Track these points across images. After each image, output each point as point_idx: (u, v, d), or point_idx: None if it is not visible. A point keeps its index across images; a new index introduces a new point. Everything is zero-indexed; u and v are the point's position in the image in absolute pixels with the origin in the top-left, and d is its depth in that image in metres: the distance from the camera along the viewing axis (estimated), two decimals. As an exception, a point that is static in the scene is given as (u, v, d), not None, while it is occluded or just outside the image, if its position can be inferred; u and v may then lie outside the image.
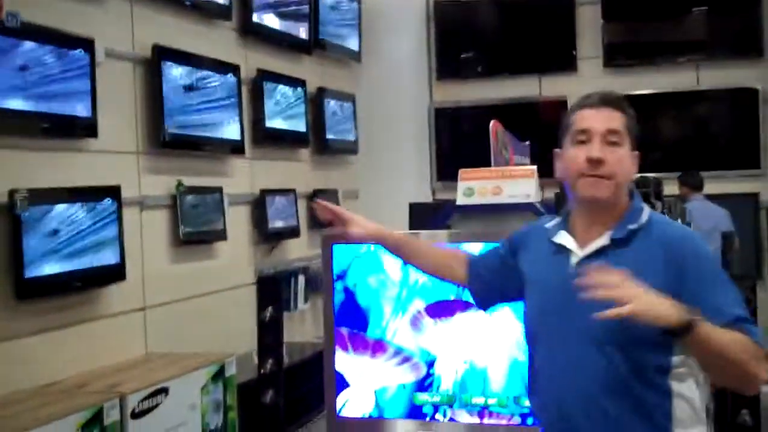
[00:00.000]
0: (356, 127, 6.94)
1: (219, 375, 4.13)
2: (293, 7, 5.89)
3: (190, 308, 4.68)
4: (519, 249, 2.16)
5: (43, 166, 3.71)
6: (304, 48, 6.11)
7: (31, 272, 3.48)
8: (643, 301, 1.73)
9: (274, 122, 5.61)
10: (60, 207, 3.66)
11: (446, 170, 7.17)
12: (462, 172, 2.99)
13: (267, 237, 5.48)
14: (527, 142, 4.07)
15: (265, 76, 5.51)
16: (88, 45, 3.91)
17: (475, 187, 2.89)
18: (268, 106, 5.53)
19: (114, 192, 4.01)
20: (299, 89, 5.96)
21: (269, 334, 2.97)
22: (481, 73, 7.55)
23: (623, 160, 1.96)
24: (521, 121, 6.85)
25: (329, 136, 6.45)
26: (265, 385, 2.92)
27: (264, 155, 5.58)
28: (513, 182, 2.86)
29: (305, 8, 6.05)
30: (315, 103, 6.30)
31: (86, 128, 3.92)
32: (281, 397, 3.04)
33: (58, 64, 3.73)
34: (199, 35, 4.90)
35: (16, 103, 3.50)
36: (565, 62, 7.30)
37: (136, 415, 3.59)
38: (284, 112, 5.75)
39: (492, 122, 3.30)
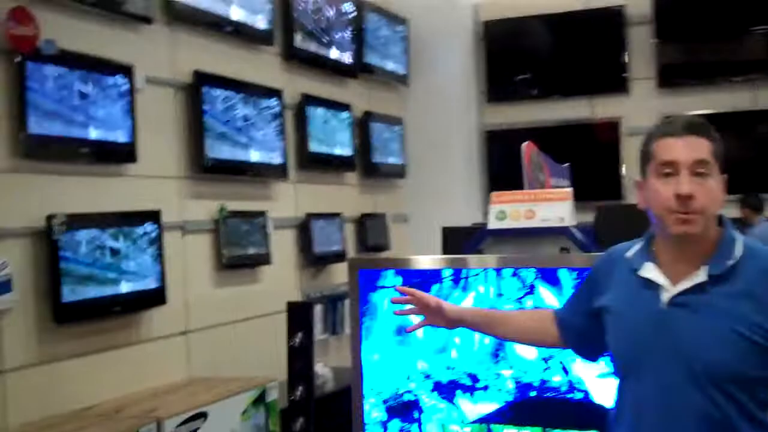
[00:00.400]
0: (404, 150, 6.91)
1: (260, 400, 4.10)
2: (337, 32, 5.90)
3: (233, 332, 4.68)
4: (601, 284, 2.03)
5: (82, 191, 3.75)
6: (348, 72, 6.12)
7: (69, 297, 3.51)
8: None
9: (319, 146, 5.61)
10: (98, 232, 3.69)
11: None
12: (494, 195, 2.92)
13: (312, 261, 5.46)
14: (566, 164, 3.98)
15: (308, 100, 5.52)
16: (127, 71, 3.96)
17: (507, 210, 2.81)
18: (312, 130, 5.53)
19: (154, 216, 4.03)
20: (344, 113, 5.96)
21: (299, 360, 2.92)
22: (532, 95, 7.46)
23: (713, 192, 1.85)
24: (572, 144, 6.76)
25: (376, 159, 6.43)
26: (295, 413, 2.87)
27: (309, 179, 5.57)
28: (547, 205, 2.78)
29: (349, 33, 6.06)
30: (361, 126, 6.29)
31: (125, 153, 3.96)
32: (311, 425, 2.99)
33: (97, 90, 3.78)
34: (241, 60, 4.94)
35: (55, 129, 3.55)
36: (616, 83, 7.17)
37: (172, 440, 3.57)
38: (329, 136, 5.75)
39: (524, 144, 3.22)
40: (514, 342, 2.28)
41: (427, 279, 2.81)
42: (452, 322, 2.21)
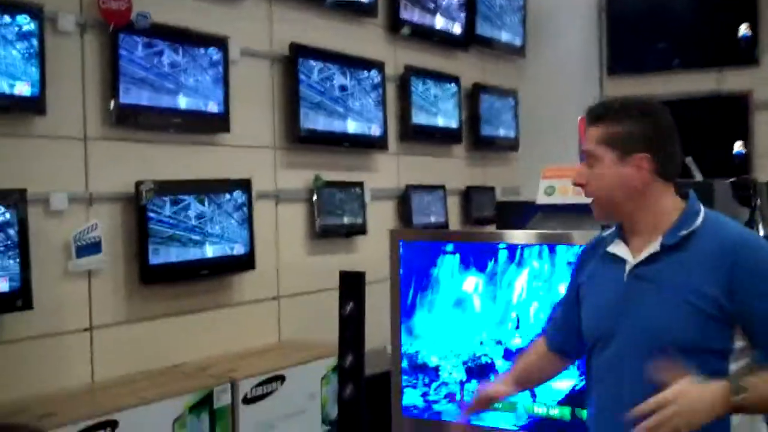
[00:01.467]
0: (517, 123, 6.80)
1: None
2: (447, 3, 5.85)
3: (325, 300, 4.76)
4: (583, 267, 2.11)
5: (173, 159, 3.92)
6: (458, 43, 6.06)
7: (155, 259, 3.69)
8: (685, 420, 1.67)
9: (423, 118, 5.60)
10: (186, 198, 3.84)
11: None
12: (545, 170, 2.86)
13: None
14: None
15: (412, 71, 5.51)
16: (221, 43, 4.09)
17: (556, 185, 2.75)
18: (416, 102, 5.53)
19: (244, 184, 4.16)
20: (452, 85, 5.92)
21: (349, 329, 2.97)
22: (656, 67, 7.14)
23: (601, 177, 1.93)
24: (697, 118, 6.44)
25: (487, 132, 6.36)
26: (344, 381, 2.93)
27: (411, 151, 5.59)
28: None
29: (460, 4, 5.99)
30: (471, 98, 6.23)
31: (218, 123, 4.10)
32: (362, 394, 3.03)
33: (190, 62, 3.92)
34: (342, 33, 4.98)
35: (146, 99, 3.72)
36: (746, 55, 6.76)
37: (248, 401, 3.71)
38: (434, 107, 5.73)
39: (580, 118, 3.11)
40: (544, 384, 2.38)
41: (481, 254, 2.80)
42: (506, 396, 2.24)
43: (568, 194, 2.73)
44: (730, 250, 1.83)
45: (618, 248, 1.98)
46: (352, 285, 3.07)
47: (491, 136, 6.43)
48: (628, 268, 1.93)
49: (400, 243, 2.74)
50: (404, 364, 2.98)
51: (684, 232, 1.88)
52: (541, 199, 2.78)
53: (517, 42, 6.79)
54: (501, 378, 2.30)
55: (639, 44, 7.21)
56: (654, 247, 1.90)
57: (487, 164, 6.51)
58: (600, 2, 7.26)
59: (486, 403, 2.24)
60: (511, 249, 2.75)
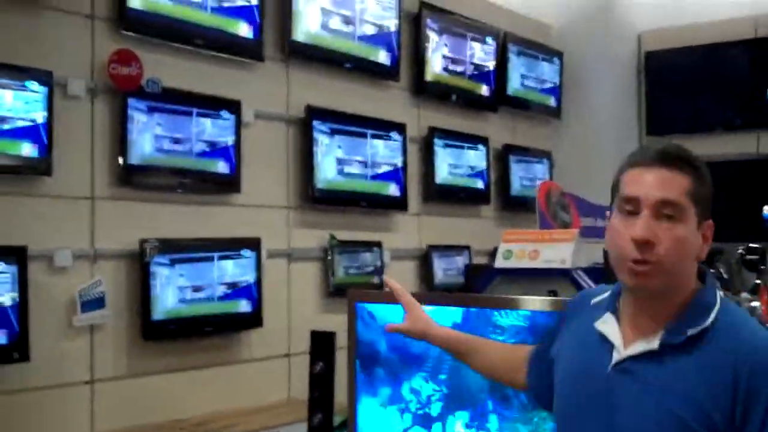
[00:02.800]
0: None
1: (343, 426, 4.18)
2: (474, 65, 5.92)
3: (339, 358, 4.80)
4: (563, 328, 1.85)
5: (183, 218, 4.04)
6: (488, 105, 6.11)
7: (158, 316, 3.79)
8: None
9: (447, 179, 5.65)
10: (191, 256, 3.95)
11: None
12: (505, 234, 2.86)
13: (432, 290, 5.49)
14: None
15: (436, 133, 5.58)
16: (234, 107, 4.23)
17: (514, 250, 2.74)
18: (440, 162, 5.59)
19: (253, 243, 4.25)
20: (479, 146, 5.96)
21: (318, 388, 2.99)
22: (696, 128, 7.06)
23: (683, 241, 1.56)
24: (736, 180, 6.34)
25: (518, 192, 6.36)
26: (313, 440, 2.96)
27: (435, 211, 5.62)
28: (551, 246, 2.68)
29: (489, 65, 6.06)
30: (501, 159, 6.26)
31: (229, 184, 4.22)
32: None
33: (201, 125, 4.06)
34: (365, 95, 5.09)
35: (154, 160, 3.86)
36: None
37: (243, 458, 3.75)
38: (459, 168, 5.77)
39: (540, 183, 3.12)
40: (480, 373, 2.10)
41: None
42: (417, 334, 2.11)
43: (524, 259, 2.73)
44: (746, 370, 1.50)
45: (608, 327, 1.67)
46: (322, 344, 3.11)
47: (523, 197, 6.42)
48: (615, 357, 1.63)
49: (356, 306, 2.74)
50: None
51: (692, 332, 1.56)
52: (499, 263, 2.79)
53: (552, 103, 6.81)
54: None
55: (678, 104, 7.14)
56: (652, 343, 1.59)
57: (518, 225, 6.48)
58: (638, 62, 7.24)
59: (398, 295, 2.11)
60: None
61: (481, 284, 2.79)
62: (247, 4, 4.28)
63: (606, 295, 1.75)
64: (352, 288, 3.13)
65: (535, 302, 2.22)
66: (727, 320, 1.58)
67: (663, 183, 1.57)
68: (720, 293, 1.64)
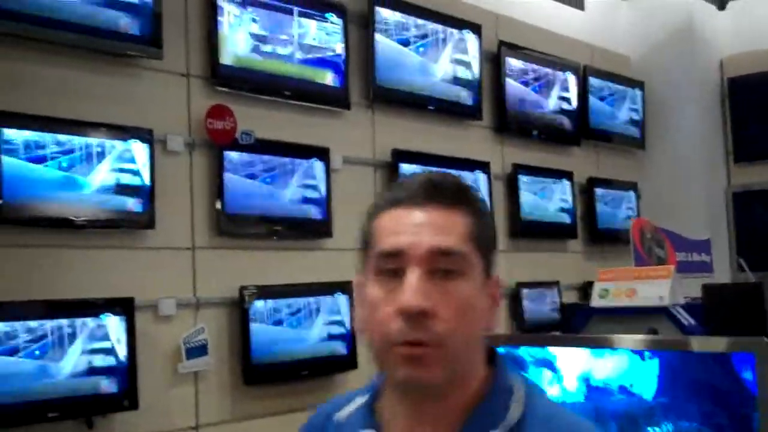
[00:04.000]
0: (639, 215, 6.70)
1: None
2: (555, 99, 5.94)
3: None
4: None
5: (277, 264, 4.15)
6: (571, 139, 6.12)
7: (258, 360, 3.89)
8: None
9: (533, 215, 5.66)
10: (287, 301, 4.05)
11: (750, 258, 6.60)
12: (601, 273, 2.86)
13: (524, 330, 5.48)
14: (707, 237, 3.75)
15: (520, 169, 5.60)
16: (323, 154, 4.35)
17: (610, 288, 2.74)
18: (525, 199, 5.60)
19: (344, 287, 4.33)
20: (564, 180, 5.96)
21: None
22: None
23: (470, 305, 1.13)
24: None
25: (604, 226, 6.32)
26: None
27: (522, 247, 5.63)
28: (648, 283, 2.67)
29: (570, 99, 6.07)
30: (586, 193, 6.24)
31: (321, 229, 4.33)
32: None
33: (293, 173, 4.19)
34: (448, 136, 5.16)
35: (249, 209, 4.00)
36: None
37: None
38: (545, 204, 5.78)
39: (633, 221, 3.11)
40: None
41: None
42: None
43: (621, 297, 2.72)
44: None
45: None
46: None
47: (610, 230, 6.37)
48: None
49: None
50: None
51: None
52: (595, 302, 2.78)
53: (635, 133, 6.76)
54: None
55: (765, 130, 7.02)
56: None
57: (607, 258, 6.43)
58: (721, 89, 7.15)
59: None
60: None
61: (578, 323, 2.80)
62: (332, 54, 4.41)
63: (357, 404, 1.27)
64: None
65: (637, 341, 2.22)
66: (539, 413, 1.16)
67: (435, 226, 1.14)
68: (520, 374, 1.23)
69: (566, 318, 3.39)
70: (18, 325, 3.14)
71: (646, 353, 2.24)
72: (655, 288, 2.66)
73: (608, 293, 2.75)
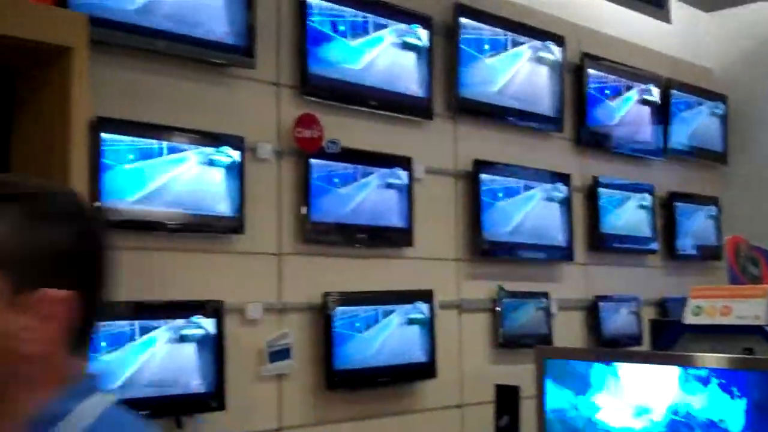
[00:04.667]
0: (719, 232, 6.58)
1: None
2: (637, 113, 5.89)
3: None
4: None
5: (360, 272, 4.20)
6: (652, 153, 6.04)
7: (339, 366, 3.95)
8: None
9: (613, 228, 5.61)
10: (370, 308, 4.10)
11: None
12: (693, 289, 2.82)
13: (603, 343, 5.43)
14: None
15: (600, 182, 5.56)
16: (406, 163, 4.39)
17: (703, 305, 2.70)
18: (605, 212, 5.56)
19: (426, 296, 4.36)
20: (644, 194, 5.89)
21: (505, 441, 3.03)
22: None
23: None
24: None
25: (684, 241, 6.22)
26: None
27: (601, 261, 5.58)
28: (743, 302, 2.62)
29: (652, 112, 6.01)
30: (666, 207, 6.15)
31: (403, 238, 4.37)
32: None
33: (377, 182, 4.24)
34: (528, 147, 5.16)
35: (334, 217, 4.06)
36: None
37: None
38: (625, 217, 5.72)
39: (727, 238, 3.06)
40: None
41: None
42: None
43: (716, 315, 2.68)
44: None
45: None
46: (507, 398, 3.16)
47: (690, 245, 6.28)
48: None
49: (545, 362, 2.77)
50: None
51: None
52: (688, 319, 2.75)
53: (718, 147, 6.65)
54: None
55: None
56: None
57: (685, 274, 6.33)
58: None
59: None
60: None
61: (667, 340, 2.78)
62: (417, 65, 4.45)
63: None
64: (539, 345, 3.14)
65: (733, 361, 2.20)
66: None
67: None
68: (102, 399, 1.07)
69: (654, 335, 3.35)
70: (113, 325, 3.25)
71: (735, 391, 2.21)
72: (750, 307, 2.62)
73: (701, 310, 2.72)
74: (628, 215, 5.76)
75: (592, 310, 5.43)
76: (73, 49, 2.66)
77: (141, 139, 3.41)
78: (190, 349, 3.44)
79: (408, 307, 4.29)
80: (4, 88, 2.82)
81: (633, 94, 5.88)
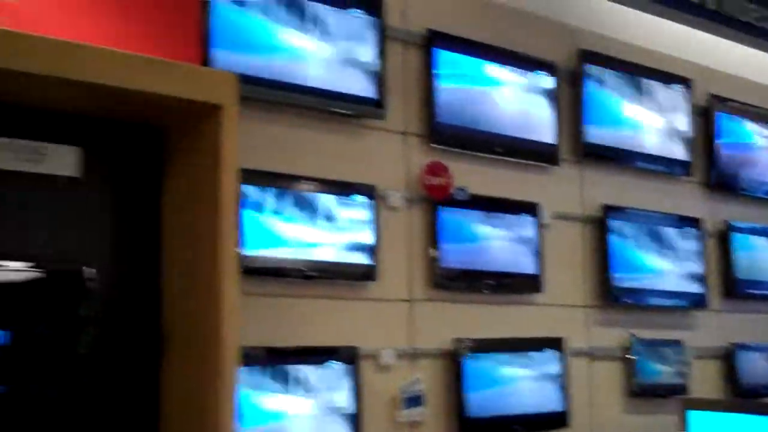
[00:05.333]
0: None
1: None
2: (766, 156, 5.72)
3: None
4: None
5: (489, 318, 4.20)
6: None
7: (473, 413, 3.93)
8: None
9: (748, 273, 5.42)
10: (501, 356, 4.08)
11: None
12: None
13: (741, 394, 5.23)
14: None
15: (733, 228, 5.40)
16: (533, 209, 4.38)
17: None
18: (739, 258, 5.39)
19: (556, 343, 4.31)
20: (780, 239, 5.69)
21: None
22: None
23: None
24: None
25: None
26: None
27: (736, 308, 5.40)
28: None
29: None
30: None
31: (531, 284, 4.35)
32: None
33: (504, 228, 4.25)
34: (657, 192, 5.07)
35: (463, 264, 4.08)
36: None
37: None
38: (760, 262, 5.53)
39: None
40: None
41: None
42: None
43: None
44: None
45: None
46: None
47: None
48: None
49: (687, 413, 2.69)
50: None
51: None
52: None
53: None
54: None
55: None
56: None
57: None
58: None
59: None
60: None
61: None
62: (543, 111, 4.47)
63: None
64: (684, 397, 3.04)
65: None
66: None
67: None
68: None
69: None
70: (254, 369, 3.34)
71: None
72: None
73: None
74: (764, 261, 5.56)
75: (729, 359, 5.24)
76: (222, 106, 2.79)
77: (278, 189, 3.53)
78: (330, 396, 3.51)
79: (538, 354, 4.26)
80: (155, 143, 2.98)
81: (764, 135, 5.71)
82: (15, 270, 2.53)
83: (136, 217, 2.91)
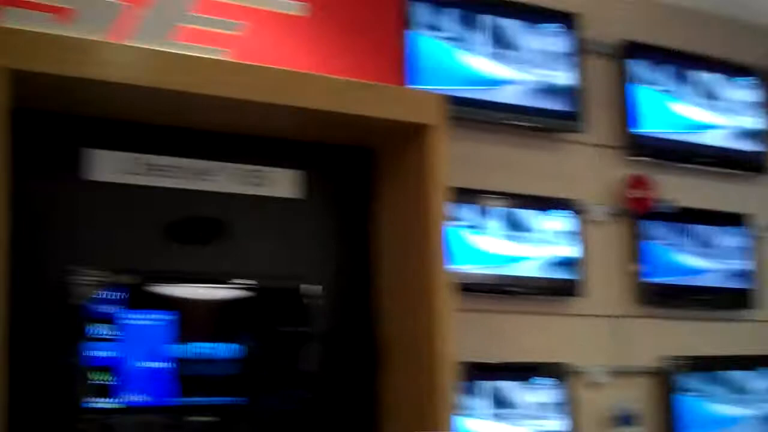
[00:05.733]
0: None
1: None
2: None
3: None
4: None
5: (701, 335, 4.04)
6: None
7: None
8: None
9: None
10: (715, 374, 3.93)
11: None
12: None
13: None
14: None
15: None
16: (743, 221, 4.21)
17: None
18: None
19: (769, 361, 4.11)
20: None
21: None
22: None
23: None
24: None
25: None
26: None
27: None
28: None
29: None
30: None
31: (745, 300, 4.18)
32: None
33: (714, 241, 4.09)
34: None
35: (669, 278, 3.96)
36: None
37: None
38: None
39: None
40: None
41: None
42: None
43: None
44: None
45: None
46: None
47: None
48: None
49: None
50: None
51: None
52: None
53: None
54: None
55: None
56: None
57: None
58: None
59: None
60: None
61: None
62: (743, 120, 4.30)
63: None
64: None
65: None
66: None
67: None
68: None
69: None
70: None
71: None
72: None
73: None
74: None
75: None
76: (430, 126, 2.84)
77: (479, 206, 3.55)
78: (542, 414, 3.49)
79: (752, 374, 4.06)
80: (366, 164, 3.07)
81: None
82: (242, 287, 2.67)
83: (351, 236, 3.00)
